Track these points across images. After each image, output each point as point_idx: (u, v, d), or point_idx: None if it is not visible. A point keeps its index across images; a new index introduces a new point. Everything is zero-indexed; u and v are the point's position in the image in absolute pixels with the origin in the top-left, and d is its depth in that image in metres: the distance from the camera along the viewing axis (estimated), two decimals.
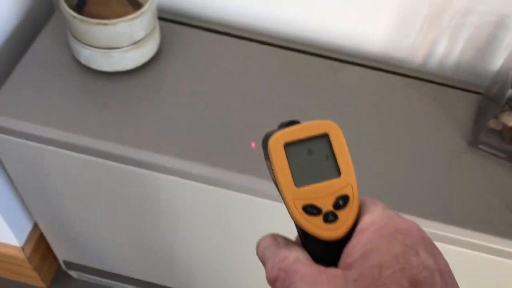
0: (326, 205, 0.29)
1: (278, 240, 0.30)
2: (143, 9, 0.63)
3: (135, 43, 0.66)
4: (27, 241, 0.93)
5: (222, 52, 0.75)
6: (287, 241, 0.30)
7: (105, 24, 0.62)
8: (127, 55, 0.66)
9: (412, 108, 0.72)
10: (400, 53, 0.77)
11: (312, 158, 0.29)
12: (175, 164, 0.62)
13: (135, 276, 0.97)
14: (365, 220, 0.28)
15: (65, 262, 0.99)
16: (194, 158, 0.62)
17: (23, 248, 0.92)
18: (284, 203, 0.29)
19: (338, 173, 0.29)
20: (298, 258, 0.28)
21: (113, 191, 0.71)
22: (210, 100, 0.69)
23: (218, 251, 0.80)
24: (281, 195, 0.29)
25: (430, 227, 0.60)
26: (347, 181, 0.29)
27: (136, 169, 0.64)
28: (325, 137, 0.29)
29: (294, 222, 0.29)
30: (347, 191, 0.29)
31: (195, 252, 0.82)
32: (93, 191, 0.73)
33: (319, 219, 0.28)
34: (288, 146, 0.29)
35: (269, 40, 0.76)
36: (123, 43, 0.65)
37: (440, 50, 0.75)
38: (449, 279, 0.25)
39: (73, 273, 1.03)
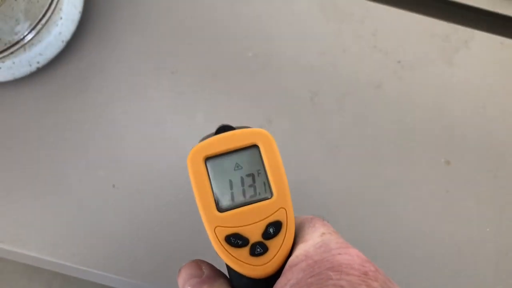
0: (254, 235, 0.23)
1: (203, 270, 0.25)
2: None
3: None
4: None
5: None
6: (213, 273, 0.25)
7: None
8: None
9: None
10: None
11: (240, 175, 0.24)
12: None
13: None
14: (298, 252, 0.23)
15: None
16: None
17: None
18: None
19: (270, 193, 0.24)
20: None
21: None
22: None
23: None
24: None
25: None
26: (280, 204, 0.24)
27: None
28: (254, 148, 0.24)
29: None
30: (280, 216, 0.23)
31: None
32: None
33: (245, 252, 0.23)
34: (210, 159, 0.24)
35: None
36: None
37: None
38: None
39: None
